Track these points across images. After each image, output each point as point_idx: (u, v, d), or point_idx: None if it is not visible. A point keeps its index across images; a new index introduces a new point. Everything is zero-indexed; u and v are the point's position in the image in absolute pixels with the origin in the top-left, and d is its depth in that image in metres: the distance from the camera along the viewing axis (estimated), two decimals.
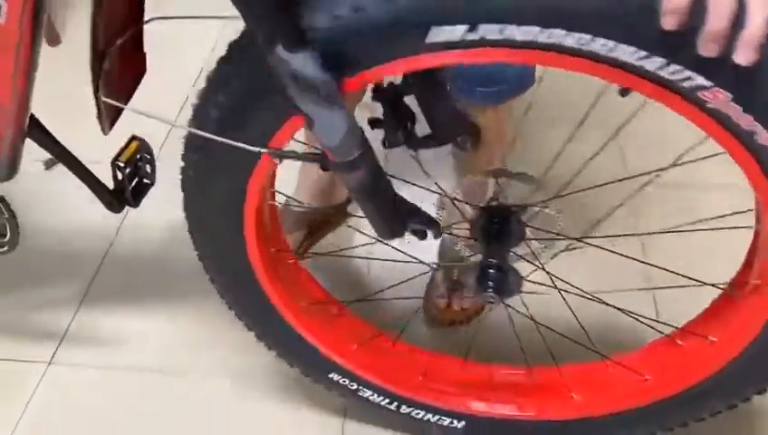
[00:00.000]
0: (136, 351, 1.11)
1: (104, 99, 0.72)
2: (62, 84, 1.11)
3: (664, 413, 0.85)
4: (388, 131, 0.69)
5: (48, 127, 0.80)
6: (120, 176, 0.80)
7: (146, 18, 0.73)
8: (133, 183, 0.82)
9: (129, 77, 0.77)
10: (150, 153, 0.83)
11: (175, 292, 1.18)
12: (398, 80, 0.68)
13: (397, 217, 0.72)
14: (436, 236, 0.75)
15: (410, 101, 0.69)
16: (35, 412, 1.04)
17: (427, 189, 0.82)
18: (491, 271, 0.77)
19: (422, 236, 0.74)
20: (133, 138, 0.81)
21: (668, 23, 0.52)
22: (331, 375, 0.92)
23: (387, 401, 0.94)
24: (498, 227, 0.79)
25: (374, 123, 0.70)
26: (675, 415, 0.86)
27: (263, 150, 0.67)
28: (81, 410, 1.04)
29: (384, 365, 0.93)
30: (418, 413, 0.94)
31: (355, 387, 0.93)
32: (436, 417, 0.94)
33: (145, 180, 0.84)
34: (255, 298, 0.85)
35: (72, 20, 1.70)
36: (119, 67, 0.73)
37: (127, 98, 0.76)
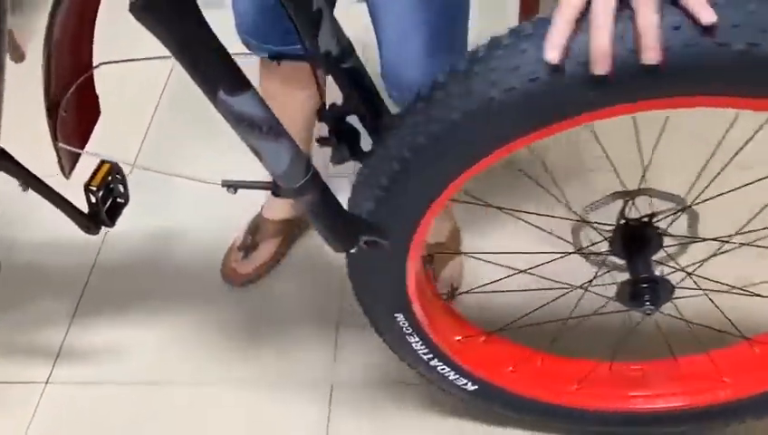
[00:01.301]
0: (131, 363, 1.15)
1: (62, 145, 0.76)
2: (30, 102, 0.96)
3: None
4: (335, 149, 0.74)
5: (17, 146, 0.80)
6: (93, 199, 0.83)
7: (95, 63, 0.76)
8: (107, 204, 0.85)
9: (85, 121, 0.80)
10: (121, 173, 0.85)
11: (163, 302, 1.21)
12: (340, 100, 0.74)
13: (346, 232, 0.77)
14: (382, 237, 0.79)
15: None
16: (39, 432, 1.07)
17: (562, 218, 0.88)
18: (643, 285, 0.82)
19: (374, 246, 0.79)
20: (103, 162, 0.83)
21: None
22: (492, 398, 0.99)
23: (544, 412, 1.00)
24: (637, 240, 0.84)
25: (321, 141, 0.75)
26: None
27: (216, 183, 0.72)
28: (83, 424, 1.07)
29: (539, 380, 0.99)
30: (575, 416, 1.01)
31: (519, 406, 1.00)
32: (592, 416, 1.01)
33: (118, 199, 0.87)
34: (421, 343, 0.91)
35: (37, 34, 1.49)
36: (74, 113, 0.75)
37: (84, 141, 0.80)
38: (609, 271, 0.88)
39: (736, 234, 0.86)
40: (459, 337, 0.95)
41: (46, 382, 1.13)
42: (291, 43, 0.97)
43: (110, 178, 0.84)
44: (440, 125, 0.66)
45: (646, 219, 0.84)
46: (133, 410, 1.09)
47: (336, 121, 0.74)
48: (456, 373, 0.94)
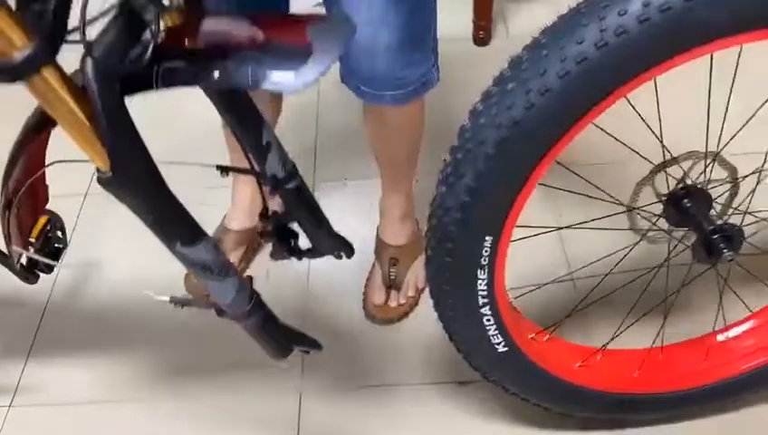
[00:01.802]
0: (86, 385, 1.18)
1: (16, 249, 0.79)
2: None
3: None
4: (275, 247, 0.82)
5: None
6: (32, 251, 0.84)
7: (49, 161, 0.78)
8: (46, 250, 0.86)
9: (34, 213, 0.83)
10: (59, 219, 0.87)
11: (120, 330, 1.25)
12: (282, 209, 0.82)
13: (283, 343, 0.87)
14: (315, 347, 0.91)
15: None
16: None
17: (615, 202, 0.92)
18: (714, 237, 0.87)
19: (307, 351, 0.91)
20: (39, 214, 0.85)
21: None
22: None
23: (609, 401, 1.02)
24: (688, 203, 0.90)
25: (262, 235, 0.82)
26: None
27: (164, 298, 0.80)
28: None
29: (604, 373, 1.00)
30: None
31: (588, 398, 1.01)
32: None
33: (57, 245, 0.88)
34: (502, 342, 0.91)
35: None
36: (25, 208, 0.78)
37: (30, 233, 0.82)
38: (679, 242, 0.93)
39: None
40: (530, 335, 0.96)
41: (9, 406, 1.18)
42: None
43: (48, 227, 0.84)
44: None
45: (683, 184, 0.91)
46: (90, 429, 1.13)
47: (277, 225, 0.80)
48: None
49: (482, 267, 0.83)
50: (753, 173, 0.91)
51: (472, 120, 0.77)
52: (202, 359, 1.20)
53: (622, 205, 0.92)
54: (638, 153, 0.93)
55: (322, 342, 1.05)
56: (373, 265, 1.28)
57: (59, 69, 0.56)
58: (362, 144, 1.20)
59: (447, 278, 0.85)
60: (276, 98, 1.22)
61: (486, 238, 0.81)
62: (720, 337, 1.06)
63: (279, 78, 0.59)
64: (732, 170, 0.89)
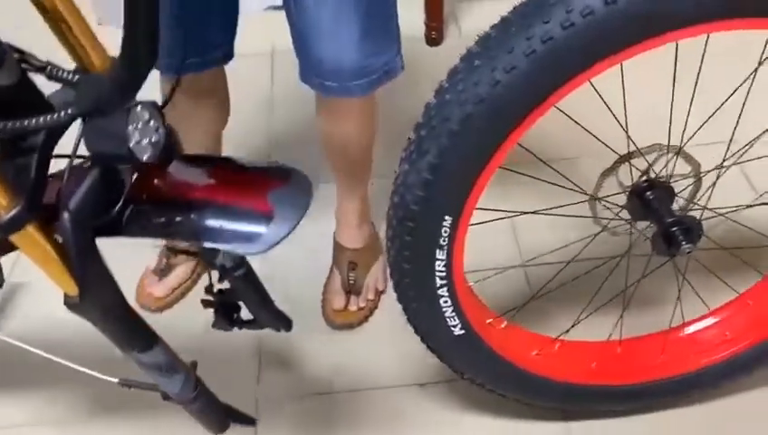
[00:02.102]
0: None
1: None
2: None
3: None
4: (218, 318, 0.83)
5: None
6: None
7: None
8: None
9: None
10: None
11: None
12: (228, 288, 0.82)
13: (223, 421, 0.92)
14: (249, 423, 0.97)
15: None
16: None
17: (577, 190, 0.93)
18: (673, 229, 0.88)
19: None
20: None
21: None
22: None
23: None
24: (650, 196, 0.90)
25: (205, 304, 0.82)
26: None
27: (113, 379, 0.82)
28: None
29: (561, 363, 1.01)
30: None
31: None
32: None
33: None
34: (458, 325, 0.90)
35: None
36: None
37: None
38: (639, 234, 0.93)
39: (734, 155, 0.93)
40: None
41: None
42: (199, 54, 1.01)
43: None
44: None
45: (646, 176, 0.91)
46: None
47: (222, 300, 0.81)
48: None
49: (441, 248, 0.83)
50: (714, 169, 0.91)
51: (437, 97, 0.76)
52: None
53: (585, 194, 0.92)
54: (603, 143, 0.93)
55: (281, 348, 1.05)
56: (331, 269, 1.27)
57: (40, 222, 0.59)
58: (316, 149, 1.18)
59: (407, 257, 0.84)
60: (222, 110, 1.19)
61: (446, 218, 0.80)
62: (678, 333, 1.06)
63: (240, 242, 0.63)
64: (695, 165, 0.90)
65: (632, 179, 0.90)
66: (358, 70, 0.95)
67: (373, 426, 1.10)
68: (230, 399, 0.96)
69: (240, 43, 1.07)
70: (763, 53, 0.79)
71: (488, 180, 0.79)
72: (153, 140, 0.62)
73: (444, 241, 0.82)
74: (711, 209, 0.93)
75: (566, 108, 0.90)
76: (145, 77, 0.61)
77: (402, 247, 0.84)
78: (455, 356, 0.97)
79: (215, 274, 0.76)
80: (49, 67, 0.58)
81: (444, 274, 0.85)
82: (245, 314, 0.83)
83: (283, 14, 0.97)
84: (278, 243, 0.61)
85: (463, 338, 0.92)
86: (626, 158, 0.90)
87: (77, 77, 0.58)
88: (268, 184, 0.65)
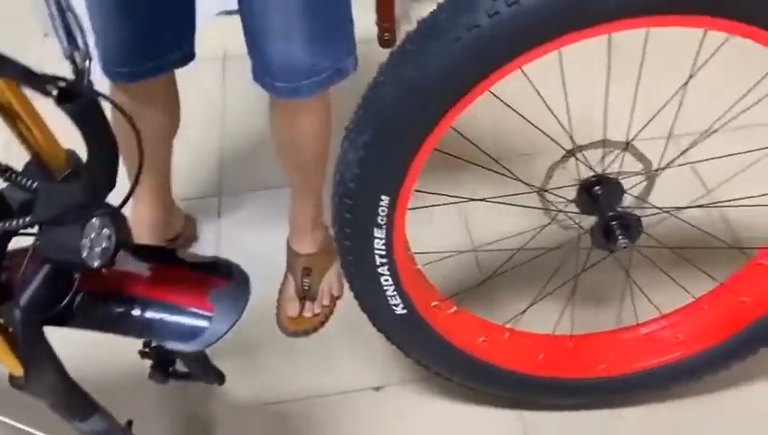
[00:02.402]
0: None
1: None
2: None
3: None
4: (153, 371, 0.85)
5: None
6: None
7: None
8: None
9: None
10: None
11: None
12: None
13: None
14: None
15: None
16: None
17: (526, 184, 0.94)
18: (612, 223, 0.88)
19: None
20: None
21: None
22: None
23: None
24: (601, 190, 0.91)
25: (142, 354, 0.84)
26: None
27: None
28: None
29: (508, 351, 1.02)
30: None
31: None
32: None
33: None
34: (399, 304, 0.92)
35: None
36: None
37: None
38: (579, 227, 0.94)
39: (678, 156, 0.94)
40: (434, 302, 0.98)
41: None
42: (150, 59, 1.00)
43: None
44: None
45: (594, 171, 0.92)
46: None
47: (158, 353, 0.83)
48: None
49: (379, 226, 0.85)
50: (665, 168, 0.92)
51: (374, 79, 0.79)
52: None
53: (534, 186, 0.94)
54: (550, 138, 0.93)
55: (234, 358, 1.02)
56: (285, 276, 1.26)
57: None
58: (270, 152, 1.17)
59: (347, 234, 0.87)
60: (172, 117, 1.18)
61: (383, 198, 0.83)
62: (631, 333, 1.07)
63: (180, 340, 0.68)
64: (643, 160, 0.90)
65: (578, 174, 0.91)
66: (307, 69, 0.96)
67: (329, 432, 1.11)
68: (182, 414, 0.95)
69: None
70: (699, 50, 0.80)
71: (422, 163, 0.81)
72: (104, 246, 0.64)
73: (382, 220, 0.85)
74: (657, 207, 0.93)
75: (524, 102, 0.92)
76: (104, 198, 0.63)
77: (343, 224, 0.87)
78: (398, 336, 0.99)
79: None
80: (9, 172, 0.60)
81: (383, 252, 0.88)
82: (181, 366, 0.85)
83: (234, 18, 0.97)
84: (217, 340, 0.67)
85: (405, 318, 0.95)
86: (573, 152, 0.91)
87: (36, 184, 0.60)
88: (210, 282, 0.70)
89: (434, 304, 0.99)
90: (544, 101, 0.91)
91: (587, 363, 1.06)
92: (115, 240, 0.65)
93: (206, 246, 1.35)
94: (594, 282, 1.07)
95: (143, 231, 1.22)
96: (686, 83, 0.84)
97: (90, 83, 0.56)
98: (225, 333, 0.67)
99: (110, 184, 0.62)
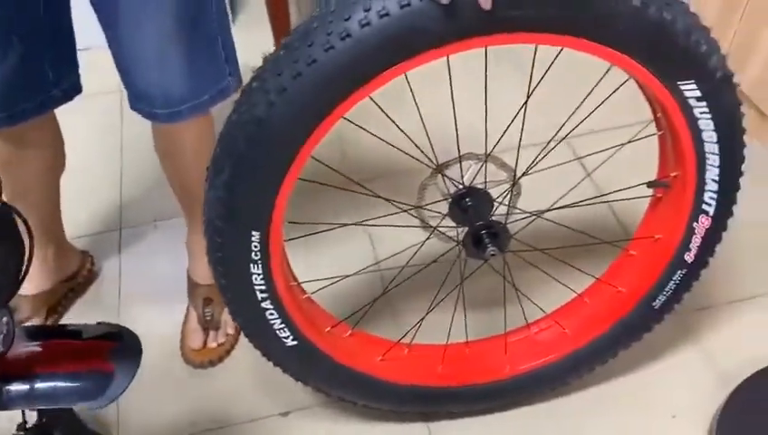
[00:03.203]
0: None
1: None
2: None
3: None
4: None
5: None
6: None
7: None
8: None
9: None
10: None
11: None
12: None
13: None
14: None
15: None
16: None
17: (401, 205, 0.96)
18: (483, 232, 0.92)
19: None
20: None
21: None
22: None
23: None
24: (471, 202, 0.94)
25: (18, 427, 0.84)
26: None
27: None
28: None
29: (407, 367, 1.04)
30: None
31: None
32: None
33: None
34: (289, 336, 0.93)
35: None
36: None
37: None
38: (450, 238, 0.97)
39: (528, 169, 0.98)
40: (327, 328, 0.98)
41: None
42: (27, 100, 0.98)
43: None
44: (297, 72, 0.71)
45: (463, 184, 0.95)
46: None
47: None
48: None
49: (254, 262, 0.85)
50: (522, 175, 0.96)
51: (229, 115, 0.79)
52: None
53: (408, 205, 0.96)
54: (414, 157, 0.95)
55: (138, 392, 0.98)
56: (188, 307, 1.25)
57: None
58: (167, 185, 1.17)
59: (223, 272, 0.87)
60: (54, 156, 1.16)
61: (253, 234, 0.83)
62: (520, 334, 1.10)
63: (88, 400, 0.72)
64: (505, 168, 0.94)
65: (447, 189, 0.94)
66: (186, 94, 0.97)
67: None
68: None
69: (88, 81, 1.06)
70: (533, 60, 0.83)
71: (287, 195, 0.82)
72: (4, 332, 0.67)
73: (256, 256, 0.85)
74: (525, 211, 0.98)
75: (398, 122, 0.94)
76: (9, 299, 0.66)
77: (217, 263, 0.87)
78: (292, 367, 1.00)
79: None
80: None
81: (263, 287, 0.88)
82: None
83: None
84: (122, 393, 0.72)
85: (296, 349, 0.95)
86: (438, 169, 0.94)
87: None
88: (104, 345, 0.77)
89: (327, 329, 1.00)
90: (397, 125, 0.93)
91: (488, 368, 1.09)
92: (12, 328, 0.68)
93: (108, 282, 1.34)
94: (481, 288, 1.10)
95: (34, 272, 1.19)
96: (526, 102, 0.88)
97: None
98: (127, 386, 0.73)
99: (15, 285, 0.66)
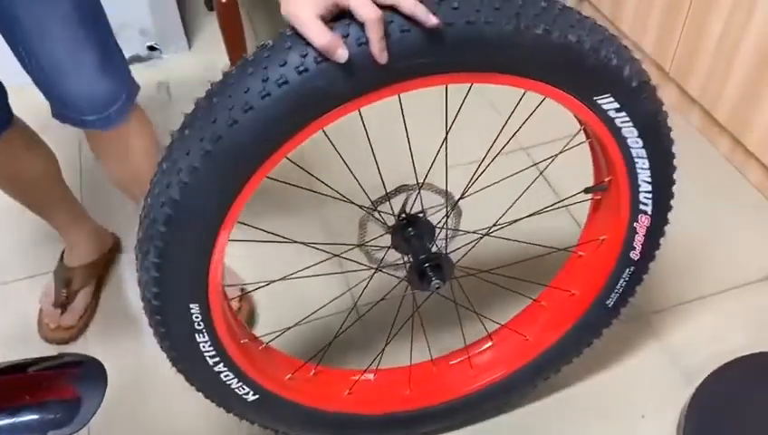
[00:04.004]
0: None
1: None
2: None
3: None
4: None
5: None
6: None
7: None
8: None
9: None
10: None
11: None
12: None
13: None
14: None
15: None
16: None
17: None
18: (426, 265, 0.91)
19: None
20: None
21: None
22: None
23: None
24: (414, 230, 0.93)
25: None
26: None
27: None
28: None
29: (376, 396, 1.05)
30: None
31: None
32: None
33: None
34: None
35: None
36: None
37: None
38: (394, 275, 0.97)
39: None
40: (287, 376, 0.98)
41: None
42: None
43: None
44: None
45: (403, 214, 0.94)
46: None
47: None
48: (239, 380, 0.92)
49: (199, 332, 0.84)
50: (461, 198, 0.95)
51: (145, 197, 0.77)
52: None
53: (350, 244, 0.95)
54: (346, 198, 0.93)
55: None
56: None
57: None
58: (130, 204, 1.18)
59: (171, 346, 0.86)
60: (43, 160, 1.21)
61: (191, 306, 0.82)
62: (480, 346, 1.10)
63: (59, 428, 0.71)
64: (441, 193, 0.93)
65: (383, 222, 0.93)
66: (108, 94, 0.99)
67: None
68: None
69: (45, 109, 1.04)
70: (446, 105, 0.82)
71: (221, 262, 0.81)
72: None
73: (200, 326, 0.84)
74: (460, 230, 0.97)
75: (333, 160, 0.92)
76: None
77: (163, 338, 0.86)
78: (261, 419, 1.00)
79: None
80: None
81: (213, 353, 0.87)
82: None
83: None
84: (92, 416, 0.73)
85: (260, 401, 0.95)
86: (377, 203, 0.93)
87: None
88: (67, 373, 0.77)
89: (288, 377, 1.00)
90: (321, 180, 0.91)
91: (456, 384, 1.09)
92: None
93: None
94: (437, 311, 1.09)
95: (86, 250, 1.35)
96: (446, 137, 0.87)
97: None
98: (97, 409, 0.73)
99: None
